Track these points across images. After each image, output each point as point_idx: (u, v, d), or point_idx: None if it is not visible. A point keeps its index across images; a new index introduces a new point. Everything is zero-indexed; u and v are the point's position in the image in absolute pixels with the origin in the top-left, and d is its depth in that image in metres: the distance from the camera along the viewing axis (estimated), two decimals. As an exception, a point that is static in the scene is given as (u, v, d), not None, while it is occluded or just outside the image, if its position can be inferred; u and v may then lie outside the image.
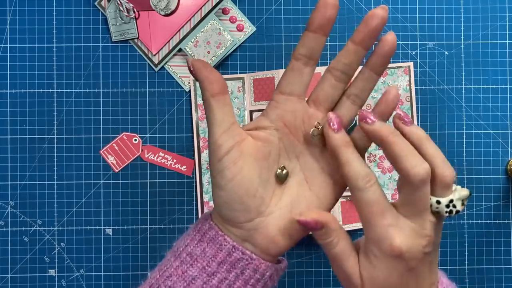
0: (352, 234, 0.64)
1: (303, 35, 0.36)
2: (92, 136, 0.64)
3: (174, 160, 0.64)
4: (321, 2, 0.35)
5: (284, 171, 0.38)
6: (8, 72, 0.64)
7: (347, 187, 0.37)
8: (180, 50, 0.64)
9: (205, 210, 0.63)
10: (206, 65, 0.37)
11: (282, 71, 0.62)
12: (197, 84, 0.64)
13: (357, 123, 0.36)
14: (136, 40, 0.64)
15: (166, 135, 0.64)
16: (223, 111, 0.36)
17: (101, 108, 0.64)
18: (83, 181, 0.64)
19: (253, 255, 0.38)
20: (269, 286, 0.39)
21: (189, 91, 0.64)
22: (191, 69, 0.37)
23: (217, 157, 0.36)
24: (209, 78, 0.36)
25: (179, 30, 0.63)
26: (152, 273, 0.40)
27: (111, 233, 0.64)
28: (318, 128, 0.37)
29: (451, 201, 0.34)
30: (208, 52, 0.63)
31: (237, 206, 0.37)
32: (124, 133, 0.64)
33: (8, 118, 0.64)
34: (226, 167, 0.36)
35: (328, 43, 0.64)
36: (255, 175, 0.37)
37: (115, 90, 0.64)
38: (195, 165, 0.64)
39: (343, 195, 0.62)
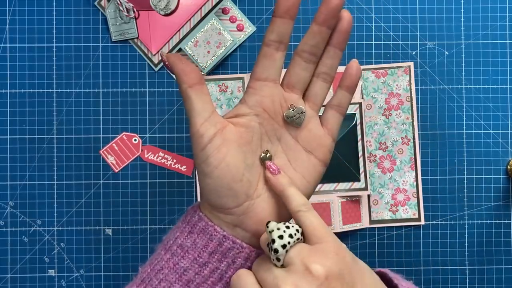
0: (352, 234, 0.64)
1: (271, 21, 0.37)
2: (92, 136, 0.64)
3: (174, 160, 0.64)
4: None
5: (268, 154, 0.39)
6: (8, 72, 0.64)
7: (327, 163, 0.41)
8: (180, 49, 0.64)
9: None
10: (181, 58, 0.37)
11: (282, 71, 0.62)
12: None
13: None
14: (136, 40, 0.64)
15: (166, 135, 0.64)
16: (202, 100, 0.37)
17: (101, 108, 0.64)
18: (83, 181, 0.64)
19: (244, 243, 0.38)
20: None
21: (189, 91, 0.64)
22: (166, 63, 0.38)
23: (201, 146, 0.37)
24: (185, 70, 0.37)
25: (179, 30, 0.63)
26: (143, 268, 0.40)
27: (111, 233, 0.64)
28: (293, 110, 0.39)
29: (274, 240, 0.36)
30: (208, 52, 0.63)
31: (225, 192, 0.37)
32: (124, 133, 0.64)
33: (8, 118, 0.63)
34: (210, 155, 0.37)
35: (328, 43, 0.64)
36: (240, 160, 0.37)
37: (115, 90, 0.64)
38: (195, 165, 0.64)
39: (343, 195, 0.62)
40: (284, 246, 0.35)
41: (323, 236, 0.36)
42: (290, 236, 0.35)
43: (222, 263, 0.38)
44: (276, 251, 0.35)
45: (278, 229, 0.35)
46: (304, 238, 0.37)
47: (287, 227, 0.36)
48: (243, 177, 0.38)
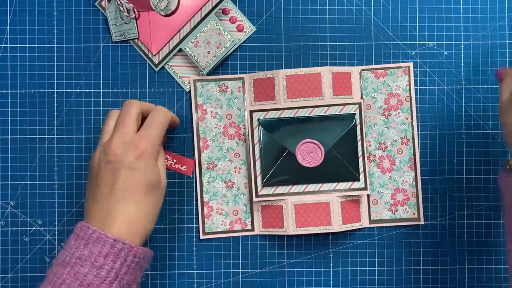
0: (351, 234, 0.64)
1: None
2: (92, 136, 0.64)
3: (174, 160, 0.64)
4: None
5: None
6: (9, 72, 0.64)
7: None
8: (180, 50, 0.64)
9: (205, 210, 0.63)
10: None
11: (282, 71, 0.62)
12: (198, 84, 0.64)
13: None
14: (136, 40, 0.64)
15: (166, 135, 0.64)
16: None
17: (101, 108, 0.64)
18: (83, 181, 0.64)
19: (131, 244, 0.49)
20: (143, 265, 0.51)
21: (189, 91, 0.64)
22: None
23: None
24: None
25: (179, 30, 0.63)
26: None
27: (111, 233, 0.64)
28: None
29: None
30: (208, 52, 0.63)
31: None
32: (124, 133, 0.64)
33: (9, 118, 0.64)
34: None
35: (327, 43, 0.64)
36: None
37: (115, 90, 0.64)
38: (195, 165, 0.64)
39: (343, 195, 0.62)
40: None
41: None
42: None
43: (116, 263, 0.47)
44: None
45: None
46: None
47: None
48: None
